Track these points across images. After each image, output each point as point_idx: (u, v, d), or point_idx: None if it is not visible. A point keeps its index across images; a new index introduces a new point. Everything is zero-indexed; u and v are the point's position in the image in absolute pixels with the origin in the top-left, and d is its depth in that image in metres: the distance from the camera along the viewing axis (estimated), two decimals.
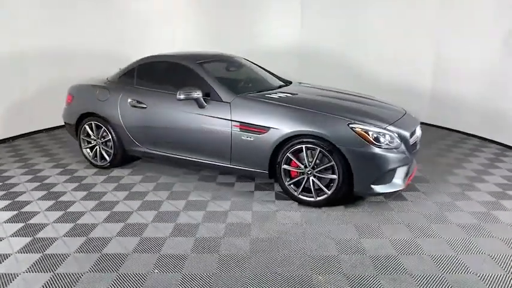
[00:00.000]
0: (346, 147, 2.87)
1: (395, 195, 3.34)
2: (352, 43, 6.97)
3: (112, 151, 4.02)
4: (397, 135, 2.98)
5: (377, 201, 3.25)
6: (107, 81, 4.16)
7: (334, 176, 2.98)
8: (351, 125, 2.92)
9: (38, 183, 3.75)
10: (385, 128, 2.97)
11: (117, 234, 2.73)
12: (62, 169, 4.17)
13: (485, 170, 4.04)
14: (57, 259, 2.42)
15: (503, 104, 4.95)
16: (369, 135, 2.88)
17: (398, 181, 3.01)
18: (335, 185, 3.00)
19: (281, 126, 3.08)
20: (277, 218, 2.96)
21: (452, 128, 5.88)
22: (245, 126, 3.24)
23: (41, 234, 2.74)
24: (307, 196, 3.16)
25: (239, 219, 2.96)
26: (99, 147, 4.10)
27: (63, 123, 4.50)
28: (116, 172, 4.05)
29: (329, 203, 3.10)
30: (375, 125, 2.96)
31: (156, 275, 2.24)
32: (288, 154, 3.11)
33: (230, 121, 3.30)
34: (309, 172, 3.09)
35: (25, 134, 5.67)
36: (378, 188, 2.95)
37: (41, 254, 2.48)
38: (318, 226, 2.83)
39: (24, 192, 3.52)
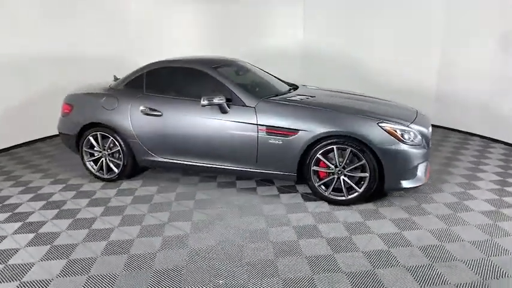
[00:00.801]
0: (378, 145, 2.99)
1: (414, 190, 3.54)
2: (355, 45, 6.95)
3: (121, 162, 3.81)
4: (418, 132, 3.17)
5: (398, 196, 3.42)
6: (109, 89, 3.94)
7: (366, 174, 3.09)
8: (380, 124, 3.06)
9: (44, 201, 3.45)
10: (408, 126, 3.15)
11: (160, 249, 2.60)
12: (63, 184, 3.87)
13: (479, 162, 4.41)
14: (108, 283, 2.26)
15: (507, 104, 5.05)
16: (397, 133, 3.04)
17: (421, 176, 3.19)
18: (366, 182, 3.11)
19: (312, 128, 3.14)
20: (330, 219, 3.01)
21: (457, 129, 5.94)
22: (273, 130, 3.25)
23: (76, 255, 2.53)
24: (337, 195, 3.24)
25: (299, 222, 2.96)
26: (105, 159, 3.86)
27: (44, 136, 4.18)
28: (126, 184, 3.84)
29: (358, 200, 3.21)
30: (400, 123, 3.13)
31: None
32: (318, 155, 3.18)
33: (256, 125, 3.30)
34: (339, 172, 3.18)
35: (2, 149, 5.17)
36: (405, 183, 3.11)
37: (86, 276, 2.30)
38: (362, 224, 2.93)
39: (33, 212, 3.22)
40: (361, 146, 3.04)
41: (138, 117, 3.66)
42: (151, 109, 3.62)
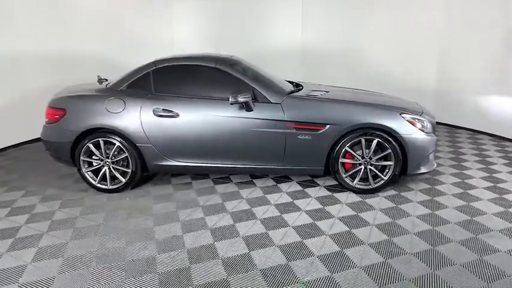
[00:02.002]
0: (403, 135, 3.22)
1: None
2: (354, 42, 6.90)
3: (130, 170, 3.47)
4: (429, 121, 3.48)
5: (409, 181, 3.71)
6: (109, 90, 3.55)
7: (391, 163, 3.30)
8: (402, 115, 3.29)
9: (48, 221, 2.99)
10: (421, 116, 3.44)
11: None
12: (59, 200, 3.39)
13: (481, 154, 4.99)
14: None
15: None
16: (416, 122, 3.30)
17: (432, 161, 3.51)
18: (391, 170, 3.32)
19: (341, 122, 3.24)
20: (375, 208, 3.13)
21: (459, 125, 6.02)
22: (302, 125, 3.28)
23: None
24: (363, 185, 3.40)
25: (339, 214, 3.01)
26: (109, 168, 3.48)
27: None
28: (138, 193, 3.51)
29: (382, 187, 3.40)
30: (416, 114, 3.40)
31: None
32: (346, 147, 3.30)
33: (284, 122, 3.29)
34: (365, 162, 3.34)
35: None
36: (424, 168, 3.40)
37: None
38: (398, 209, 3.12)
39: (42, 234, 2.77)
40: (387, 136, 3.24)
41: (150, 120, 3.37)
42: (165, 110, 3.37)
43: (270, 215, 3.03)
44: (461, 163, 4.24)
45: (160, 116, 3.37)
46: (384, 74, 6.63)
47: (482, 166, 4.12)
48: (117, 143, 3.40)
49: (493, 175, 3.84)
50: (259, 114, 3.31)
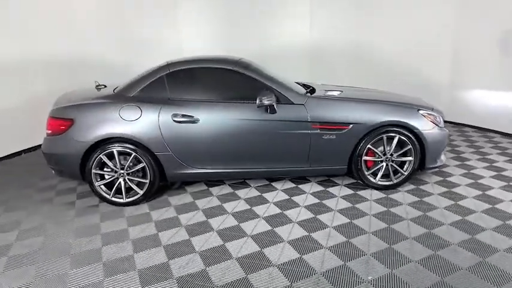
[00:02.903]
0: (422, 130, 3.35)
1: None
2: (364, 41, 6.80)
3: (147, 180, 3.27)
4: (440, 117, 3.65)
5: (419, 175, 3.87)
6: (118, 96, 3.32)
7: (410, 158, 3.41)
8: (420, 112, 3.42)
9: (57, 252, 2.72)
10: (434, 111, 3.59)
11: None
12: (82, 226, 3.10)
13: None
14: None
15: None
16: (431, 118, 3.45)
17: (443, 155, 3.69)
18: (411, 165, 3.44)
19: (364, 120, 3.29)
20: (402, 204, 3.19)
21: (470, 124, 5.95)
22: (326, 126, 3.29)
23: None
24: (384, 181, 3.49)
25: (372, 211, 3.03)
26: (124, 180, 3.26)
27: None
28: (157, 205, 3.32)
29: (402, 182, 3.51)
30: (429, 110, 3.55)
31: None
32: (369, 145, 3.36)
33: (308, 122, 3.28)
34: (387, 159, 3.42)
35: None
36: (438, 162, 3.56)
37: None
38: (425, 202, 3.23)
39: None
40: (407, 132, 3.35)
41: (170, 126, 3.21)
42: (184, 115, 3.22)
43: (304, 217, 3.00)
44: (460, 155, 4.51)
45: (180, 122, 3.21)
46: (393, 72, 6.54)
47: (479, 157, 4.41)
48: (133, 153, 3.20)
49: (493, 165, 4.12)
50: (283, 116, 3.27)
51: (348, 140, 3.33)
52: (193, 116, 3.22)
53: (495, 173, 3.85)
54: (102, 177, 3.29)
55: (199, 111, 3.24)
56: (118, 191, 3.29)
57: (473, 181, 3.66)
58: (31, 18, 4.93)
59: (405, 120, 3.31)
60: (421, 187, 3.55)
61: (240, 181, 3.80)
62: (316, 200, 3.31)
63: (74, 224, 3.02)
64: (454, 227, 2.77)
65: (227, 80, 3.42)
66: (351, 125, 3.30)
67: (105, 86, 3.86)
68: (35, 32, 4.99)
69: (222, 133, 3.26)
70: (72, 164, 3.23)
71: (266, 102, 3.14)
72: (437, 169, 3.83)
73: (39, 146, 3.79)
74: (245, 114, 3.26)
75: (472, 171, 3.95)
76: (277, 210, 3.14)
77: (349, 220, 2.94)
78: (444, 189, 3.48)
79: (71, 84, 4.78)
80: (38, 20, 5.02)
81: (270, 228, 2.86)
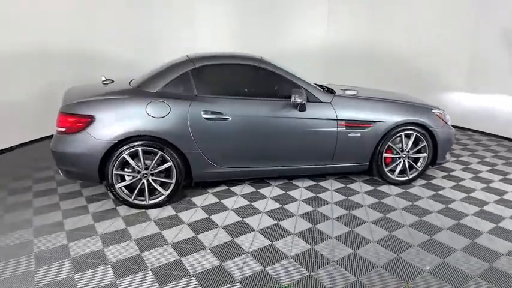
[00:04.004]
0: (436, 128, 3.56)
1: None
2: (381, 42, 6.80)
3: (173, 181, 3.10)
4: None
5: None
6: (141, 92, 3.10)
7: (425, 154, 3.62)
8: (433, 111, 3.64)
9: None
10: (442, 110, 3.84)
11: None
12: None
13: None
14: None
15: None
16: (443, 117, 3.69)
17: (448, 152, 3.95)
18: (425, 161, 3.65)
19: (387, 119, 3.43)
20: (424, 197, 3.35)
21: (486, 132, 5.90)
22: (352, 123, 3.38)
23: None
24: (401, 176, 3.66)
25: (399, 205, 3.14)
26: (147, 181, 3.06)
27: None
28: (181, 206, 3.15)
29: (417, 178, 3.71)
30: (439, 109, 3.78)
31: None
32: (389, 143, 3.50)
33: (336, 120, 3.34)
34: (404, 156, 3.60)
35: None
36: (447, 157, 3.82)
37: None
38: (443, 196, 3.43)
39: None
40: (423, 130, 3.54)
41: (199, 124, 3.07)
42: (214, 113, 3.10)
43: (340, 214, 3.05)
44: (452, 151, 4.87)
45: (210, 119, 3.10)
46: (411, 74, 6.56)
47: (470, 153, 4.80)
48: (160, 152, 3.01)
49: (484, 160, 4.52)
50: (312, 114, 3.29)
51: (371, 138, 3.44)
52: (222, 113, 3.12)
53: (490, 168, 4.23)
54: (122, 178, 3.06)
55: (229, 108, 3.15)
56: (138, 193, 3.08)
57: (474, 175, 3.98)
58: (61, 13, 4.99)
59: (423, 119, 3.51)
60: (432, 182, 3.78)
61: (259, 180, 3.75)
62: (343, 197, 3.38)
63: (100, 230, 2.77)
64: (479, 217, 3.00)
65: (254, 77, 3.38)
66: (375, 123, 3.42)
67: (113, 81, 3.60)
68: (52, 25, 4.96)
69: (252, 131, 3.20)
70: (89, 164, 2.96)
71: (299, 100, 3.15)
72: (440, 165, 4.09)
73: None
74: (275, 112, 3.23)
75: (469, 166, 4.29)
76: (310, 208, 3.15)
77: (383, 215, 3.04)
78: (453, 183, 3.74)
79: (75, 79, 4.61)
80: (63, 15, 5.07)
81: (311, 225, 2.86)
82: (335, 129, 3.35)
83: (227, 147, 3.19)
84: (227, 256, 2.44)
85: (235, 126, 3.15)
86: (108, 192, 3.39)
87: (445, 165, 4.30)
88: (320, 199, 3.33)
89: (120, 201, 3.08)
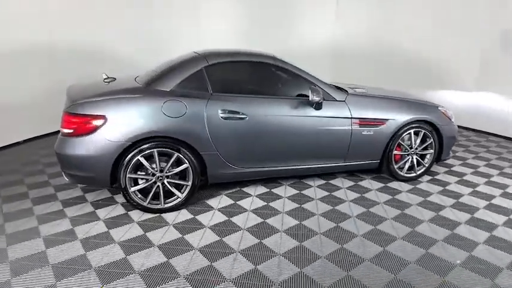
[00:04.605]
0: (442, 125, 3.66)
1: None
2: (388, 40, 6.75)
3: (189, 183, 2.98)
4: None
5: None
6: (148, 89, 2.95)
7: (431, 151, 3.71)
8: (439, 108, 3.74)
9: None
10: (444, 108, 3.95)
11: None
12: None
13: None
14: None
15: None
16: (447, 114, 3.80)
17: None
18: (431, 158, 3.74)
19: (398, 117, 3.48)
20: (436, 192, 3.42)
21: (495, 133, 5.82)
22: (365, 122, 3.40)
23: None
24: (410, 173, 3.73)
25: (412, 201, 3.19)
26: (162, 183, 2.92)
27: None
28: (196, 210, 3.04)
29: (423, 174, 3.81)
30: (443, 107, 3.89)
31: None
32: (399, 140, 3.56)
33: (350, 119, 3.35)
34: (412, 152, 3.67)
35: None
36: (451, 152, 3.94)
37: None
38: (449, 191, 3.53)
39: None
40: (430, 127, 3.63)
41: (217, 123, 2.97)
42: (231, 112, 3.01)
43: (359, 211, 3.06)
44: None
45: (227, 119, 3.00)
46: (419, 72, 6.50)
47: (463, 149, 4.99)
48: (176, 153, 2.88)
49: (479, 155, 4.71)
50: (327, 112, 3.28)
51: (383, 136, 3.48)
52: (239, 112, 3.04)
53: (486, 162, 4.42)
54: (135, 182, 2.91)
55: (246, 106, 3.07)
56: (152, 197, 2.94)
57: (474, 170, 4.14)
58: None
59: (431, 117, 3.59)
60: (437, 177, 3.89)
61: (270, 180, 3.69)
62: (357, 194, 3.40)
63: (116, 238, 2.60)
64: (489, 210, 3.11)
65: (269, 74, 3.32)
66: (387, 121, 3.46)
67: (114, 79, 3.42)
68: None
69: (269, 130, 3.14)
70: (101, 168, 2.79)
71: (317, 98, 3.12)
72: (443, 161, 4.23)
73: None
74: (292, 111, 3.19)
75: (466, 161, 4.46)
76: (328, 206, 3.14)
77: (400, 211, 3.08)
78: (457, 178, 3.87)
79: (78, 76, 4.63)
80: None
81: (335, 224, 2.85)
82: (349, 127, 3.36)
83: (244, 147, 3.11)
84: (259, 259, 2.37)
85: (253, 125, 3.08)
86: (115, 196, 3.21)
87: (445, 162, 4.44)
88: (335, 197, 3.33)
89: (134, 205, 2.92)
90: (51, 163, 4.06)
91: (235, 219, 2.90)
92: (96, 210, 3.01)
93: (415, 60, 6.56)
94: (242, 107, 3.06)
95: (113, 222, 2.82)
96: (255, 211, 3.04)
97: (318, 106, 3.24)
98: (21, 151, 4.57)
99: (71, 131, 2.76)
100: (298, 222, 2.86)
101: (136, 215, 2.94)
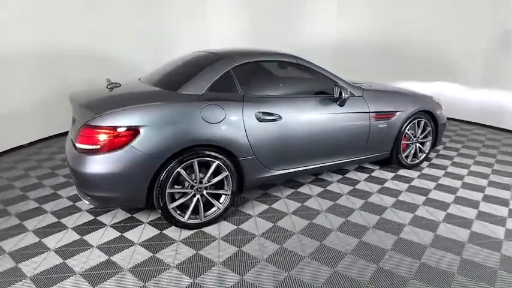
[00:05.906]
0: (437, 114, 3.98)
1: None
2: (391, 38, 6.70)
3: (229, 191, 2.80)
4: None
5: None
6: (179, 95, 2.68)
7: (430, 138, 4.02)
8: (434, 99, 4.05)
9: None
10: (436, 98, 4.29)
11: None
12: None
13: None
14: None
15: None
16: (439, 102, 4.14)
17: None
18: (430, 145, 4.05)
19: (406, 108, 3.69)
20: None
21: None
22: (380, 115, 3.54)
23: None
24: (413, 161, 4.00)
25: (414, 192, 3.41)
26: (202, 195, 2.69)
27: None
28: (240, 220, 2.87)
29: (424, 160, 4.11)
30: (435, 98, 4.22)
31: None
32: (406, 131, 3.79)
33: (368, 113, 3.46)
34: (416, 141, 3.94)
35: None
36: (441, 139, 4.31)
37: None
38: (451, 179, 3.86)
39: None
40: (429, 116, 3.93)
41: (254, 127, 2.83)
42: (266, 113, 2.90)
43: (391, 201, 3.18)
44: None
45: (262, 120, 2.88)
46: (421, 66, 6.47)
47: (447, 139, 5.43)
48: (216, 161, 2.68)
49: (465, 144, 5.23)
50: (351, 109, 3.34)
51: (395, 127, 3.66)
52: (273, 113, 2.93)
53: (476, 152, 4.93)
54: (172, 197, 2.63)
55: (279, 107, 2.97)
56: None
57: (456, 154, 4.60)
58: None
59: (431, 107, 3.89)
60: (433, 162, 4.23)
61: (288, 180, 3.65)
62: (378, 185, 3.53)
63: (168, 261, 2.33)
64: (493, 203, 3.49)
65: (293, 73, 3.25)
66: (397, 113, 3.65)
67: (120, 85, 3.05)
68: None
69: (303, 130, 3.09)
70: (137, 185, 2.47)
71: (346, 95, 3.15)
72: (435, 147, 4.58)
73: None
74: (321, 109, 3.18)
75: (449, 148, 4.93)
76: (361, 200, 3.22)
77: (425, 197, 3.29)
78: (450, 161, 4.26)
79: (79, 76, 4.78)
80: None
81: (378, 216, 2.92)
82: (368, 121, 3.47)
83: (280, 149, 3.01)
84: (334, 261, 2.33)
85: (288, 126, 3.00)
86: (136, 216, 2.86)
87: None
88: (360, 190, 3.42)
89: (172, 223, 2.65)
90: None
91: (281, 223, 2.81)
92: (123, 234, 2.66)
93: (419, 56, 6.44)
94: (275, 108, 2.95)
95: (155, 245, 2.52)
96: (295, 213, 2.98)
97: (341, 103, 3.28)
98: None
99: (96, 147, 2.39)
100: (345, 219, 2.88)
101: (174, 233, 2.67)
